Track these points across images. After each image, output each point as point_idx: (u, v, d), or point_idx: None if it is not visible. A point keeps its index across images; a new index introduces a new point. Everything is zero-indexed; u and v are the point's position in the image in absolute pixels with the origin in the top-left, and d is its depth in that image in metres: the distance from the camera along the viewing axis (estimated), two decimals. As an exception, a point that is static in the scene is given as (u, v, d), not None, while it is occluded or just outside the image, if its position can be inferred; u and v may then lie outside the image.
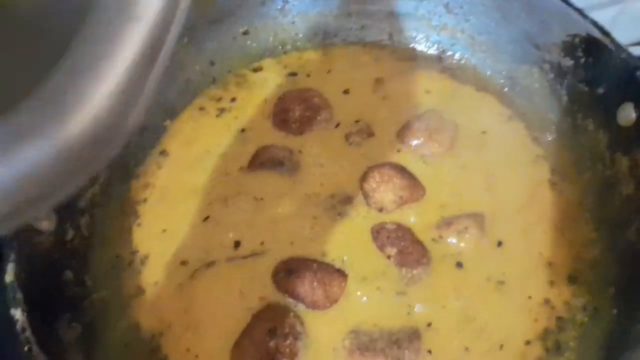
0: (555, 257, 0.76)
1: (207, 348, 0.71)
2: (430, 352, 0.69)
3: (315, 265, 0.76)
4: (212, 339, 0.72)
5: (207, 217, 0.80)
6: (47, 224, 0.70)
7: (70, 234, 0.73)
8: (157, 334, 0.73)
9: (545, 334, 0.71)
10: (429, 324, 0.71)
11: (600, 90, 0.78)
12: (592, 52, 0.78)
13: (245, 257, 0.77)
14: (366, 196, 0.81)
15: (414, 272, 0.75)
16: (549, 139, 0.85)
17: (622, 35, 0.77)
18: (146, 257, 0.78)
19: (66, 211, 0.74)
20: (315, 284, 0.74)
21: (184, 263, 0.77)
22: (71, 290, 0.70)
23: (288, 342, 0.71)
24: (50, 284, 0.68)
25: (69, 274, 0.71)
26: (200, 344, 0.72)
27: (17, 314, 0.61)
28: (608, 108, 0.76)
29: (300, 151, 0.86)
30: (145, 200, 0.83)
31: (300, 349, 0.71)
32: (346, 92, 0.91)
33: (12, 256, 0.63)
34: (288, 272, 0.75)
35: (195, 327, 0.73)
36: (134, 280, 0.76)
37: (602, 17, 0.78)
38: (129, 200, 0.83)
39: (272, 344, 0.70)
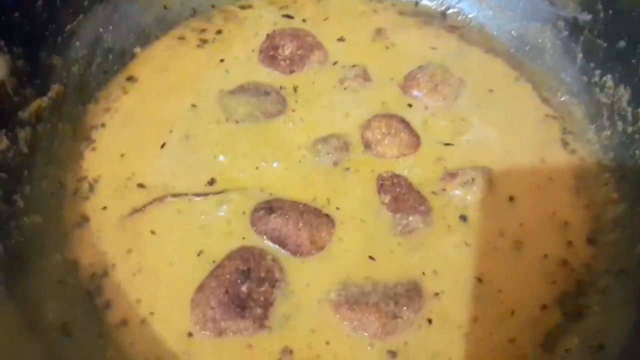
0: (571, 217, 0.67)
1: (163, 299, 0.58)
2: (430, 321, 0.58)
3: (301, 206, 0.64)
4: (168, 287, 0.59)
5: (176, 146, 0.68)
6: (-25, 122, 0.57)
7: (4, 143, 0.60)
8: (99, 274, 0.59)
9: (563, 298, 0.61)
10: (430, 273, 0.61)
11: (622, 44, 0.71)
12: (614, 3, 0.72)
13: (218, 193, 0.65)
14: (367, 145, 0.71)
15: (410, 218, 0.64)
16: (562, 99, 0.78)
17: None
18: (96, 181, 0.65)
19: (2, 116, 0.60)
20: (300, 224, 0.62)
21: (141, 186, 0.64)
22: (-3, 208, 0.57)
23: (263, 288, 0.58)
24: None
25: (-5, 187, 0.57)
26: (153, 294, 0.58)
27: None
28: (630, 62, 0.70)
29: (287, 89, 0.75)
30: (103, 125, 0.70)
31: (276, 297, 0.58)
32: (341, 39, 0.83)
33: None
34: (269, 209, 0.63)
35: (148, 272, 0.59)
36: (78, 208, 0.63)
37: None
38: (84, 124, 0.70)
39: (244, 288, 0.57)
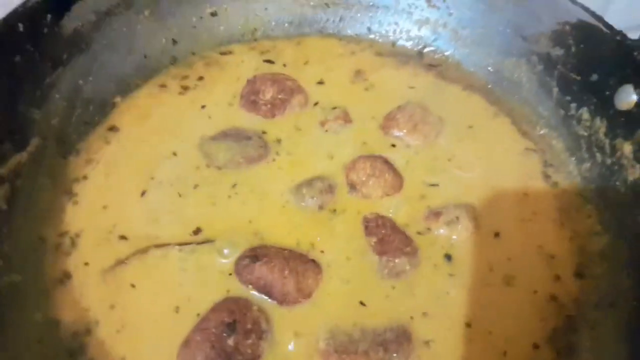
0: (557, 250, 0.67)
1: (149, 355, 0.56)
2: (419, 363, 0.57)
3: (286, 252, 0.64)
4: (153, 342, 0.57)
5: (158, 194, 0.68)
6: (-48, 184, 0.56)
7: (-19, 204, 0.59)
8: (82, 332, 0.57)
9: (554, 335, 0.60)
10: (418, 317, 0.60)
11: (594, 77, 0.73)
12: (584, 38, 0.74)
13: (201, 243, 0.64)
14: (352, 186, 0.71)
15: (397, 261, 0.64)
16: (540, 132, 0.79)
17: (615, 20, 0.73)
18: (78, 235, 0.64)
19: (-20, 174, 0.60)
20: (286, 272, 0.61)
21: (123, 238, 0.63)
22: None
23: (250, 341, 0.57)
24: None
25: (-28, 252, 0.56)
26: (138, 350, 0.57)
27: None
28: (604, 94, 0.71)
29: (269, 133, 0.76)
30: (85, 177, 0.70)
31: (264, 349, 0.57)
32: (321, 82, 0.84)
33: None
34: (254, 257, 0.62)
35: (132, 327, 0.58)
36: (59, 264, 0.61)
37: (593, 3, 0.75)
38: (65, 177, 0.69)
39: (230, 341, 0.56)
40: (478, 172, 0.75)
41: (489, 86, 0.85)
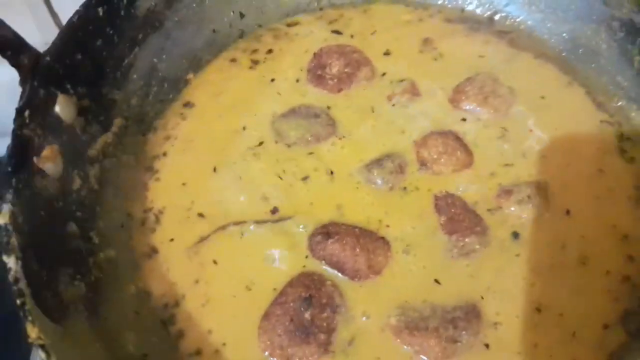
0: (631, 229, 0.66)
1: (232, 328, 0.61)
2: (487, 346, 0.59)
3: (357, 230, 0.66)
4: (236, 316, 0.61)
5: (232, 172, 0.71)
6: (52, 167, 0.61)
7: (77, 183, 0.64)
8: (172, 304, 0.63)
9: (626, 316, 0.60)
10: (488, 296, 0.61)
11: (682, 47, 0.69)
12: (673, 3, 0.70)
13: (277, 221, 0.67)
14: (423, 163, 0.71)
15: (466, 240, 0.65)
16: (618, 104, 0.76)
17: None
18: (161, 212, 0.68)
19: (74, 157, 0.64)
20: (357, 250, 0.64)
21: (201, 215, 0.67)
22: (75, 245, 0.61)
23: (325, 314, 0.60)
24: (51, 234, 0.58)
25: (73, 227, 0.61)
26: (223, 323, 0.61)
27: (11, 261, 0.51)
28: (692, 66, 0.67)
29: (337, 108, 0.77)
30: (165, 154, 0.73)
31: (338, 323, 0.60)
32: (388, 53, 0.83)
33: (9, 196, 0.54)
34: (326, 235, 0.65)
35: (215, 302, 0.62)
36: (147, 239, 0.66)
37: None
38: (146, 154, 0.73)
39: (307, 315, 0.59)
40: (550, 146, 0.73)
41: (564, 54, 0.82)
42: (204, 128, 0.75)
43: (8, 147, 0.56)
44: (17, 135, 0.57)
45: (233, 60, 0.83)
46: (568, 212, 0.67)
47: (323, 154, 0.72)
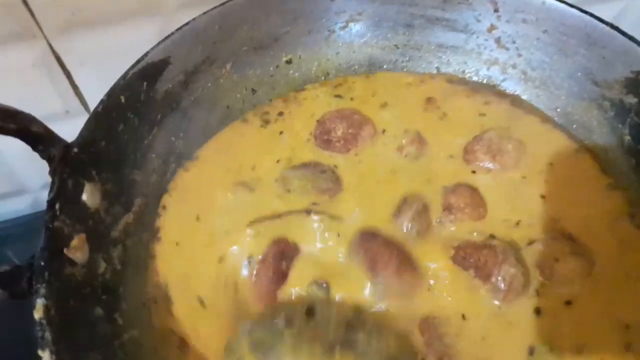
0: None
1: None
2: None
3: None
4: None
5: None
6: (80, 254, 0.64)
7: (102, 266, 0.68)
8: (193, 383, 0.66)
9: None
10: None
11: (670, 131, 0.73)
12: (660, 89, 0.74)
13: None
14: (449, 210, 0.76)
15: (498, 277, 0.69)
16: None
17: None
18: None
19: (99, 241, 0.68)
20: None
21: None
22: (101, 329, 0.64)
23: None
24: (80, 322, 0.62)
25: (99, 311, 0.65)
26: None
27: (45, 356, 0.55)
28: (679, 149, 0.72)
29: (343, 166, 0.82)
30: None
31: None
32: (386, 106, 0.87)
33: (43, 290, 0.57)
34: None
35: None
36: (163, 320, 0.70)
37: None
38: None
39: None
40: (559, 206, 0.77)
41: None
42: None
43: (41, 240, 0.60)
44: (49, 228, 0.61)
45: (244, 120, 0.88)
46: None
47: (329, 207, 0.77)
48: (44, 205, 0.63)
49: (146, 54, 0.76)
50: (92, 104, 0.91)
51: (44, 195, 0.63)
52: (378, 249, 0.72)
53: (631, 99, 0.78)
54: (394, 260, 0.70)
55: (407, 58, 0.93)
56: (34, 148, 0.64)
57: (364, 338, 0.65)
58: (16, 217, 1.13)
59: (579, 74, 0.83)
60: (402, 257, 0.71)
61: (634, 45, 0.75)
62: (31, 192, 1.12)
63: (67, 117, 1.00)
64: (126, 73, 0.74)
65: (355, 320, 0.67)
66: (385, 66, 0.94)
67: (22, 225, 1.09)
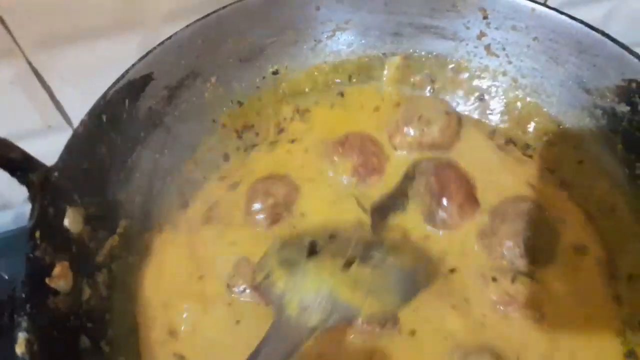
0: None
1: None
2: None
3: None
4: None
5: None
6: (63, 283, 0.63)
7: (87, 293, 0.66)
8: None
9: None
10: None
11: (662, 140, 0.72)
12: (652, 98, 0.73)
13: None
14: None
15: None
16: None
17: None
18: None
19: (83, 267, 0.66)
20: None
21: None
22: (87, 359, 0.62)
23: None
24: (64, 354, 0.60)
25: (85, 340, 0.63)
26: None
27: (28, 392, 0.53)
28: (673, 158, 0.71)
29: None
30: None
31: None
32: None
33: (24, 324, 0.56)
34: None
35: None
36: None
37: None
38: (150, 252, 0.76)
39: None
40: None
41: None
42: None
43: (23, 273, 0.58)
44: (29, 258, 0.59)
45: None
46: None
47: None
48: (27, 220, 0.61)
49: (127, 71, 0.74)
50: (76, 119, 0.89)
51: (27, 210, 0.61)
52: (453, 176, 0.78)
53: (623, 107, 0.77)
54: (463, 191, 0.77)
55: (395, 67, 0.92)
56: (12, 174, 0.62)
57: (379, 255, 0.71)
58: (-2, 232, 1.10)
59: (570, 81, 0.82)
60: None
61: (625, 53, 0.74)
62: (13, 207, 1.09)
63: (49, 132, 0.98)
64: (107, 92, 0.72)
65: (374, 241, 0.74)
66: (373, 74, 0.92)
67: (4, 241, 1.07)
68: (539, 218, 0.76)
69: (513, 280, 0.71)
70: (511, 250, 0.73)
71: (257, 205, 0.78)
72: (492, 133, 0.88)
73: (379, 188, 0.81)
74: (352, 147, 0.83)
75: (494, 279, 0.71)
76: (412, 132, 0.84)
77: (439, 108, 0.87)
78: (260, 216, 0.77)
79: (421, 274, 0.72)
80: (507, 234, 0.74)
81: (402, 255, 0.73)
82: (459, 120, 0.88)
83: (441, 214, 0.77)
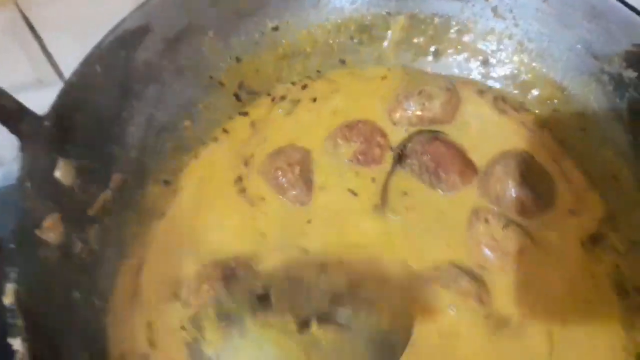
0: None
1: None
2: None
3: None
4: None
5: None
6: (53, 235, 0.61)
7: (78, 246, 0.64)
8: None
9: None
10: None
11: (669, 107, 0.71)
12: (661, 64, 0.72)
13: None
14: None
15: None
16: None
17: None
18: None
19: (74, 220, 0.65)
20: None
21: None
22: (80, 315, 0.61)
23: None
24: (56, 308, 0.59)
25: (76, 295, 0.62)
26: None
27: (17, 343, 0.52)
28: (678, 126, 0.70)
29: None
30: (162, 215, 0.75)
31: None
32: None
33: (14, 275, 0.54)
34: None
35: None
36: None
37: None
38: (146, 208, 0.74)
39: None
40: None
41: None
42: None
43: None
44: (19, 209, 0.57)
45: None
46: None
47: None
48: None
49: (124, 20, 0.71)
50: (68, 72, 0.86)
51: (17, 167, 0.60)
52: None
53: (630, 73, 0.75)
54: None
55: (400, 27, 0.89)
56: (3, 122, 0.60)
57: (347, 312, 0.56)
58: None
59: (579, 46, 0.80)
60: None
61: (638, 19, 0.72)
62: (3, 163, 1.07)
63: (40, 86, 0.95)
64: (102, 41, 0.69)
65: (344, 293, 0.59)
66: (375, 34, 0.89)
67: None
68: (535, 164, 0.76)
69: (505, 226, 0.71)
70: (505, 189, 0.73)
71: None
72: (495, 99, 0.86)
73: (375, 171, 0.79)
74: (359, 134, 0.80)
75: (486, 221, 0.71)
76: (412, 106, 0.82)
77: (441, 84, 0.84)
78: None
79: (402, 335, 0.59)
80: (500, 173, 0.74)
81: (378, 311, 0.58)
82: (459, 95, 0.85)
83: (442, 186, 0.76)
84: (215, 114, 0.84)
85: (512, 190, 0.73)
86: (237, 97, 0.86)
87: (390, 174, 0.78)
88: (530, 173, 0.74)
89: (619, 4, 0.74)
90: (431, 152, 0.77)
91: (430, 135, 0.80)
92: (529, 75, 0.85)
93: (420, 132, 0.81)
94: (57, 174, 0.63)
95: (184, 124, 0.81)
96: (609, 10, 0.74)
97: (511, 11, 0.84)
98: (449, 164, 0.77)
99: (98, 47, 0.69)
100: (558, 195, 0.76)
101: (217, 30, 0.81)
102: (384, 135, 0.81)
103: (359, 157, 0.79)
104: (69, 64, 0.68)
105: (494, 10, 0.85)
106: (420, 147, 0.78)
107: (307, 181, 0.76)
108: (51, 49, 0.92)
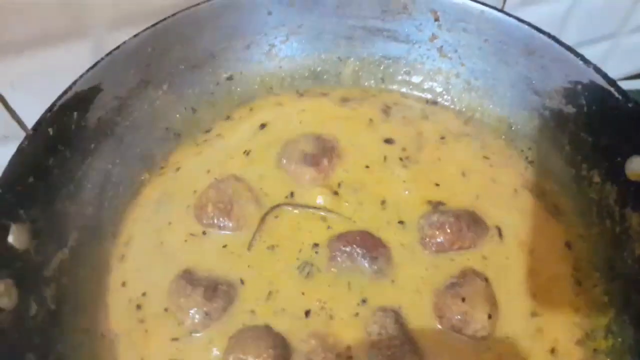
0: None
1: None
2: None
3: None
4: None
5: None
6: (6, 300, 0.62)
7: (33, 309, 0.65)
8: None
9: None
10: None
11: (605, 141, 0.73)
12: (595, 100, 0.74)
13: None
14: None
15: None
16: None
17: (614, 69, 0.73)
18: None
19: (29, 283, 0.66)
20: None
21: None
22: (34, 377, 0.63)
23: None
24: (9, 373, 0.60)
25: (30, 357, 0.63)
26: None
27: (-32, 414, 0.53)
28: (615, 159, 0.72)
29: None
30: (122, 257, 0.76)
31: None
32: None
33: (-35, 343, 0.56)
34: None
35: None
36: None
37: (593, 52, 0.75)
38: (103, 264, 0.76)
39: None
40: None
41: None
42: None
43: (-38, 292, 0.58)
44: (-32, 278, 0.59)
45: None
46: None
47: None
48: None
49: (74, 83, 0.73)
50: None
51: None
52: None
53: (570, 109, 0.78)
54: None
55: (351, 70, 0.92)
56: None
57: None
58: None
59: (521, 83, 0.83)
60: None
61: (570, 55, 0.75)
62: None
63: (6, 141, 0.97)
64: (53, 105, 0.71)
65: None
66: (329, 79, 0.92)
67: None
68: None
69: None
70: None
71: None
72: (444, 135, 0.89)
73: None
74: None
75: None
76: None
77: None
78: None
79: None
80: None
81: None
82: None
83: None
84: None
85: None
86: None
87: None
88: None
89: (550, 40, 0.77)
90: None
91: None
92: (477, 112, 0.88)
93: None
94: (11, 239, 0.65)
95: (142, 176, 0.83)
96: (542, 47, 0.78)
97: (456, 51, 0.87)
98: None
99: (49, 111, 0.71)
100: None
101: (170, 83, 0.84)
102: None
103: None
104: (34, 118, 0.70)
105: (440, 50, 0.88)
106: None
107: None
108: (14, 105, 0.94)
